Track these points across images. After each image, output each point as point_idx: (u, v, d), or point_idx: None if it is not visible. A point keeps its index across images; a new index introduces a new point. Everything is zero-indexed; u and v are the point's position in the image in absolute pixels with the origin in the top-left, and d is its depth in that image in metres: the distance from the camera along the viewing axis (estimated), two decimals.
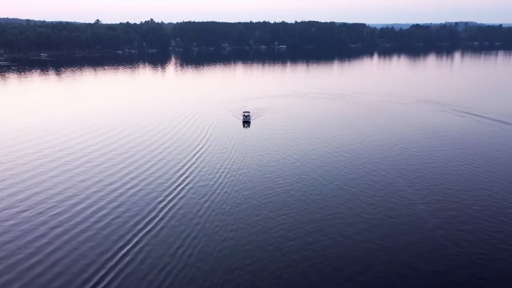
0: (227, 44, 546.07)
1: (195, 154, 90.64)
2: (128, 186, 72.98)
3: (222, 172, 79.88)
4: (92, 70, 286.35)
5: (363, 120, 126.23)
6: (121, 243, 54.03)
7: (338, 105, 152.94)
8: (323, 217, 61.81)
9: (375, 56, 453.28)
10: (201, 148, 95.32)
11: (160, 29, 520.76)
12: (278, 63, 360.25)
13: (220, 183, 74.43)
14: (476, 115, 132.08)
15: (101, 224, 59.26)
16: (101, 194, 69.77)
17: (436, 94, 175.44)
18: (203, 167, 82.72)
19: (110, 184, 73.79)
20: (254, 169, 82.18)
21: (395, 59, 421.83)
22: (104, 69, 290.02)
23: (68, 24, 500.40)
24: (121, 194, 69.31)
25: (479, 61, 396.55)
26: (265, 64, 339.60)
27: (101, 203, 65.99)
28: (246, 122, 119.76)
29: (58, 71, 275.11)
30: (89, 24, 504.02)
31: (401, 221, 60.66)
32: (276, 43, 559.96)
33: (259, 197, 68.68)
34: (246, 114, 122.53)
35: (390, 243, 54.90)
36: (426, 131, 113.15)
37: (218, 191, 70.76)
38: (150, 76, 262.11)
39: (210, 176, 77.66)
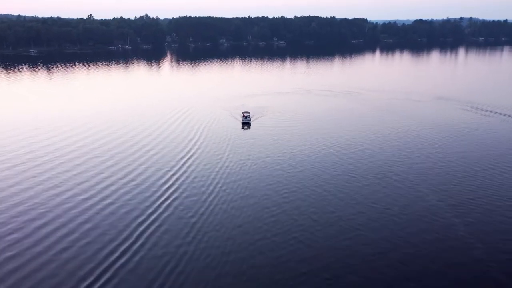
0: (224, 40, 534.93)
1: (185, 162, 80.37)
2: (105, 203, 62.63)
3: (217, 184, 69.78)
4: (84, 66, 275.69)
5: (375, 120, 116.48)
6: (87, 282, 43.72)
7: (345, 103, 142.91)
8: (341, 245, 51.61)
9: (378, 52, 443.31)
10: (192, 154, 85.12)
11: (155, 24, 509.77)
12: (278, 59, 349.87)
13: (214, 197, 64.37)
14: (499, 113, 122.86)
15: (63, 256, 48.78)
16: (69, 215, 59.36)
17: (449, 91, 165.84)
18: (193, 177, 72.64)
19: (83, 201, 63.40)
20: (255, 179, 72.16)
21: (398, 55, 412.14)
22: (96, 66, 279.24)
23: (59, 19, 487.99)
24: (95, 214, 58.96)
25: (486, 57, 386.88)
26: (264, 60, 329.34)
27: (69, 226, 55.57)
28: (246, 123, 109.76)
29: (48, 67, 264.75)
30: (81, 19, 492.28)
31: (436, 238, 50.59)
32: (275, 38, 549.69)
33: (261, 214, 58.74)
34: (245, 114, 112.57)
35: (424, 261, 44.88)
36: (446, 131, 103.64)
37: (211, 208, 60.65)
38: (143, 73, 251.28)
39: (202, 189, 67.54)
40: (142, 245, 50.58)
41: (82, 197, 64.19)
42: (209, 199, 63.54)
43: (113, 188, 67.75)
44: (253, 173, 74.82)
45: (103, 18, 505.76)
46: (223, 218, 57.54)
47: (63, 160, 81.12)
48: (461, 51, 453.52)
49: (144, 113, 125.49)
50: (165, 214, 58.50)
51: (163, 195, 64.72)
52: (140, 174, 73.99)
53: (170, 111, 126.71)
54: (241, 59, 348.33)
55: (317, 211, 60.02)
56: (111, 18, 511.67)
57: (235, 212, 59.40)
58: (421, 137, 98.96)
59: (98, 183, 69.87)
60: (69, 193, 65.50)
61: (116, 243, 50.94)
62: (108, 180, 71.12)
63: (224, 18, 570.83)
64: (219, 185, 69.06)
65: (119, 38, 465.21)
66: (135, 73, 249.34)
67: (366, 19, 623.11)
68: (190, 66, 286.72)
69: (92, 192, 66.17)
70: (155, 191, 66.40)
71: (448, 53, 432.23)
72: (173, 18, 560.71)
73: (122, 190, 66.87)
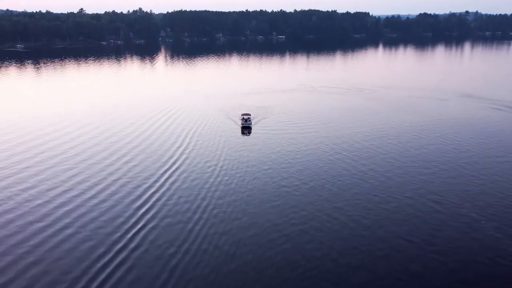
0: (221, 35, 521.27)
1: (168, 177, 67.97)
2: (62, 235, 50.22)
3: (206, 206, 57.63)
4: (73, 62, 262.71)
5: (395, 122, 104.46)
6: None
7: (358, 102, 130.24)
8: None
9: (381, 47, 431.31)
10: (178, 166, 72.71)
11: (149, 19, 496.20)
12: (277, 54, 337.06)
13: (202, 225, 52.26)
14: None
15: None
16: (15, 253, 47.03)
17: (472, 88, 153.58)
18: (177, 197, 60.62)
19: (32, 233, 50.98)
20: (256, 199, 60.18)
21: (404, 50, 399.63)
22: (86, 62, 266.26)
23: (48, 13, 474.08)
24: (46, 252, 46.60)
25: (499, 51, 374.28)
26: (263, 56, 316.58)
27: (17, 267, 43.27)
28: (246, 127, 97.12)
29: (36, 63, 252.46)
30: (72, 13, 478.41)
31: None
32: (274, 33, 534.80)
33: (264, 252, 46.44)
34: (246, 117, 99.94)
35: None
36: (484, 136, 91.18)
37: (197, 243, 48.30)
38: (135, 70, 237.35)
39: (187, 214, 55.36)
40: None
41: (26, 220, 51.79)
42: (196, 229, 51.30)
43: (74, 215, 55.33)
44: (253, 191, 62.55)
45: (95, 12, 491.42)
46: (212, 258, 45.20)
47: (27, 165, 69.04)
48: (470, 46, 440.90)
49: (128, 113, 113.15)
50: (135, 254, 46.03)
51: (136, 224, 52.27)
52: (109, 192, 61.56)
53: (158, 112, 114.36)
54: (238, 54, 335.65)
55: (335, 246, 47.78)
56: (103, 13, 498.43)
57: (229, 249, 47.12)
58: (449, 142, 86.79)
59: (50, 212, 57.36)
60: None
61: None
62: (70, 203, 58.70)
63: (220, 12, 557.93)
64: (209, 208, 56.79)
65: (111, 33, 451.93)
66: (126, 69, 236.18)
67: (368, 13, 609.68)
68: (185, 62, 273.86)
69: (39, 223, 53.73)
70: (126, 216, 54.08)
71: (456, 48, 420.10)
72: (167, 12, 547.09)
73: (83, 217, 54.54)
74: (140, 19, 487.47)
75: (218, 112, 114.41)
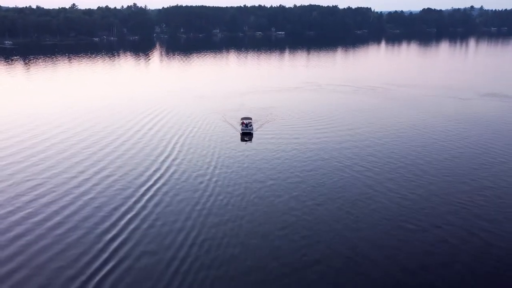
0: (218, 31, 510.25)
1: (151, 197, 56.42)
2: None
3: (197, 236, 46.08)
4: (64, 59, 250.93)
5: (417, 125, 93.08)
6: None
7: (373, 103, 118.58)
8: None
9: (385, 44, 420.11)
10: (164, 182, 61.11)
11: (143, 14, 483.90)
12: (277, 51, 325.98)
13: (190, 266, 40.61)
14: None
15: None
16: None
17: (492, 86, 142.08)
18: (159, 224, 48.91)
19: None
20: (256, 226, 48.90)
21: (409, 46, 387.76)
22: (76, 59, 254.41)
23: (38, 8, 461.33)
24: None
25: (505, 48, 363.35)
26: (262, 53, 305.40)
27: None
28: (247, 133, 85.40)
29: (25, 60, 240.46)
30: (63, 8, 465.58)
31: None
32: (273, 29, 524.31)
33: None
34: (246, 122, 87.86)
35: None
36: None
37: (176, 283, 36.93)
38: (128, 67, 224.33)
39: (166, 241, 43.82)
40: None
41: None
42: (182, 270, 39.83)
43: (37, 232, 43.88)
44: (255, 216, 51.21)
45: (87, 7, 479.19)
46: None
47: None
48: (477, 42, 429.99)
49: (113, 116, 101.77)
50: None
51: (101, 268, 40.79)
52: (70, 225, 50.01)
53: (147, 114, 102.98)
54: (236, 51, 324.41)
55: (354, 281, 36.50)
56: (96, 8, 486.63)
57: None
58: (483, 148, 75.57)
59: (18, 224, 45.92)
60: None
61: None
62: (32, 216, 47.28)
63: (218, 7, 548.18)
64: (199, 240, 45.40)
65: (104, 29, 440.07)
66: (118, 67, 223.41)
67: (370, 8, 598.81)
68: (181, 59, 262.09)
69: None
70: (90, 253, 42.66)
71: (461, 44, 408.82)
72: (163, 7, 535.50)
73: (46, 239, 43.24)
74: (134, 14, 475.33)
75: (213, 114, 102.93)
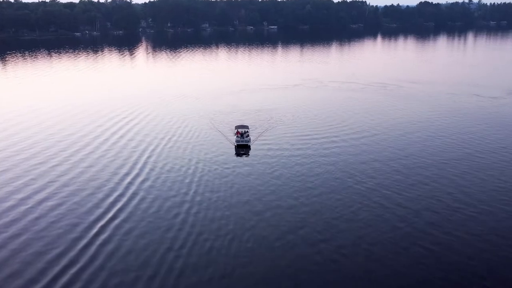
0: (207, 25, 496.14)
1: (105, 242, 42.50)
2: None
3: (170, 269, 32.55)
4: (43, 56, 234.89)
5: (440, 128, 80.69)
6: None
7: (389, 103, 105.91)
8: None
9: (382, 38, 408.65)
10: (129, 215, 47.18)
11: (128, 8, 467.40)
12: (270, 46, 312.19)
13: None
14: None
15: None
16: None
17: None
18: (122, 254, 35.23)
19: None
20: (252, 273, 35.08)
21: (407, 41, 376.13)
22: (54, 56, 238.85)
23: (15, 1, 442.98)
24: None
25: (506, 42, 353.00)
26: (255, 48, 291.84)
27: None
28: (243, 146, 71.41)
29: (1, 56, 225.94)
30: (42, 1, 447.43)
31: None
32: (265, 23, 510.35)
33: None
34: (241, 131, 74.05)
35: None
36: None
37: None
38: (110, 64, 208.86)
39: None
40: None
41: None
42: None
43: None
44: (247, 269, 37.33)
45: (68, 0, 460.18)
46: None
47: None
48: (480, 37, 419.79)
49: (78, 122, 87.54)
50: None
51: None
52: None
53: (118, 120, 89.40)
54: (227, 46, 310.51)
55: None
56: (78, 1, 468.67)
57: None
58: None
59: None
60: None
61: None
62: None
63: (207, 0, 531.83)
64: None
65: (86, 23, 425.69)
66: (99, 63, 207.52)
67: (365, 1, 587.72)
68: (167, 55, 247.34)
69: None
70: None
71: (463, 38, 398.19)
72: (149, 0, 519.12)
73: None
74: (118, 8, 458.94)
75: (199, 118, 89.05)
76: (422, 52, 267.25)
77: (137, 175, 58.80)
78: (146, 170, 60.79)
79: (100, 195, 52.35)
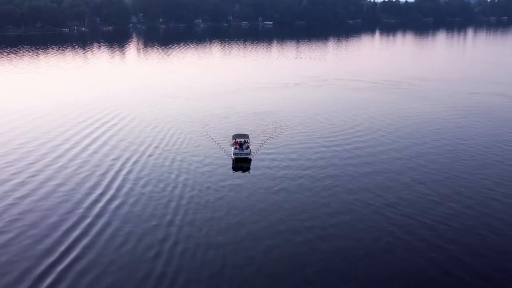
0: (200, 20, 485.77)
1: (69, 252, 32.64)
2: None
3: None
4: (25, 54, 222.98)
5: (470, 135, 70.59)
6: None
7: (404, 104, 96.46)
8: None
9: (381, 34, 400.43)
10: (82, 253, 36.89)
11: (118, 2, 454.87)
12: (266, 42, 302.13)
13: None
14: None
15: None
16: None
17: None
18: None
19: None
20: None
21: (410, 37, 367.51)
22: (41, 52, 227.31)
23: None
24: None
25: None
26: (249, 44, 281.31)
27: None
28: (242, 159, 60.83)
29: None
30: None
31: None
32: (260, 18, 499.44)
33: None
34: (240, 141, 63.90)
35: None
36: None
37: None
38: (97, 61, 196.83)
39: None
40: None
41: None
42: None
43: None
44: None
45: None
46: None
47: None
48: (485, 33, 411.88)
49: (45, 125, 76.94)
50: None
51: None
52: None
53: (92, 122, 79.17)
54: (221, 42, 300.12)
55: None
56: None
57: None
58: None
59: None
60: None
61: None
62: None
63: None
64: None
65: (74, 19, 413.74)
66: (85, 60, 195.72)
67: None
68: (159, 52, 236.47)
69: None
70: None
71: (467, 34, 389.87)
72: None
73: None
74: (108, 3, 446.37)
75: (190, 124, 78.59)
76: (426, 48, 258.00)
77: (110, 200, 48.39)
78: (115, 186, 50.61)
79: (63, 215, 41.99)
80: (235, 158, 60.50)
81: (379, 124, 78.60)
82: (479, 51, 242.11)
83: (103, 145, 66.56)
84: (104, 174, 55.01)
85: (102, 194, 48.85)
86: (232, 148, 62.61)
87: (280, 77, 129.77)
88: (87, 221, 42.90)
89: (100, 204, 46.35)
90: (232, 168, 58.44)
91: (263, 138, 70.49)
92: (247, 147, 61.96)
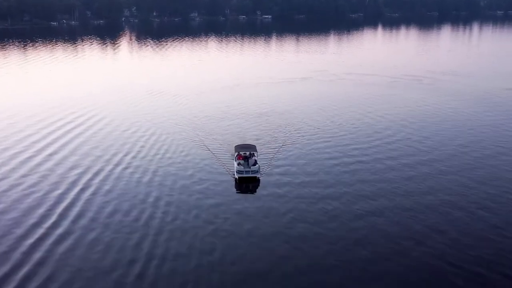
0: (196, 14, 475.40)
1: None
2: None
3: None
4: (13, 49, 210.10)
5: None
6: None
7: (437, 103, 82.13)
8: None
9: (386, 28, 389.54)
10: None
11: None
12: (264, 36, 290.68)
13: None
14: None
15: None
16: None
17: None
18: None
19: None
20: None
21: (415, 31, 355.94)
22: (28, 47, 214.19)
23: None
24: None
25: None
26: (247, 38, 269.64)
27: None
28: (248, 178, 46.68)
29: None
30: None
31: None
32: (258, 12, 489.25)
33: None
34: (245, 154, 50.21)
35: None
36: None
37: None
38: (86, 56, 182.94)
39: None
40: None
41: None
42: None
43: None
44: None
45: None
46: None
47: None
48: (485, 26, 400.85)
49: (6, 128, 63.51)
50: None
51: None
52: None
53: (62, 124, 65.54)
54: (217, 37, 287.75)
55: None
56: None
57: None
58: None
59: None
60: None
61: None
62: None
63: None
64: None
65: (63, 12, 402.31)
66: (72, 56, 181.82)
67: None
68: (152, 47, 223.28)
69: None
70: None
71: (469, 28, 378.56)
72: None
73: None
74: None
75: (181, 129, 65.20)
76: (438, 42, 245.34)
77: (56, 242, 34.99)
78: (78, 223, 37.35)
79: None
80: (238, 177, 46.26)
81: (412, 127, 65.69)
82: (498, 45, 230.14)
83: (69, 155, 53.62)
84: (62, 195, 42.19)
85: (52, 228, 35.98)
86: (235, 163, 48.75)
87: (283, 71, 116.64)
88: (21, 273, 30.14)
89: (43, 248, 33.34)
90: (235, 189, 44.83)
91: (272, 148, 56.46)
92: (255, 163, 48.07)
